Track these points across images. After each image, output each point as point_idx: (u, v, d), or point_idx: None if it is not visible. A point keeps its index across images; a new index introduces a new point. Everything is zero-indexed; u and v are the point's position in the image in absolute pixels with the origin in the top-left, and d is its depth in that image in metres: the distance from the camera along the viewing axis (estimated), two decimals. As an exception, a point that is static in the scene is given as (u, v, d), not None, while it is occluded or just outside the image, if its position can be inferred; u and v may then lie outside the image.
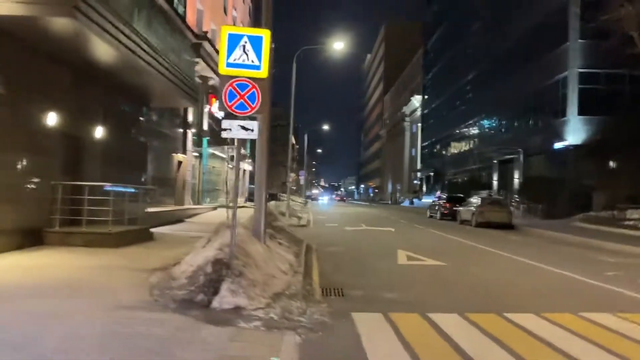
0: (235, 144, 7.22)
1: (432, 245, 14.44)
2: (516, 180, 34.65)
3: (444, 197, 31.03)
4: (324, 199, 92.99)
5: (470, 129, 47.47)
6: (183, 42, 15.75)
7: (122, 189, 11.07)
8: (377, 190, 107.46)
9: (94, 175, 11.47)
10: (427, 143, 64.63)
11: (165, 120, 19.38)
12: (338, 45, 23.37)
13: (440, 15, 59.74)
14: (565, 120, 28.37)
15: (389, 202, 78.06)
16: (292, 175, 30.11)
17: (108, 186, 10.52)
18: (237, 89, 6.06)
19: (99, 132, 11.92)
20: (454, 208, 27.48)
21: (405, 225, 23.75)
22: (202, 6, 25.52)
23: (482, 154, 41.45)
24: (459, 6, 50.76)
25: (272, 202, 27.09)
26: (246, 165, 39.63)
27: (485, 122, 43.62)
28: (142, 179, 15.00)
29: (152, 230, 12.09)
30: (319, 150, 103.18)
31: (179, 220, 17.17)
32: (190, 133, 22.68)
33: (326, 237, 15.92)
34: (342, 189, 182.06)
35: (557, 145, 28.77)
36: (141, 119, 15.10)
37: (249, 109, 6.11)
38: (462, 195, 28.99)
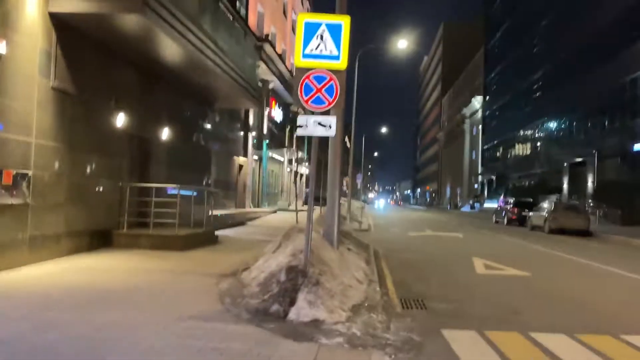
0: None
1: (508, 252, 13.47)
2: (590, 184, 32.49)
3: (512, 201, 29.49)
4: (380, 203, 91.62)
5: (537, 130, 45.14)
6: (246, 44, 15.59)
7: (187, 192, 10.91)
8: (434, 195, 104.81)
9: (160, 177, 11.41)
10: (488, 146, 62.14)
11: (227, 123, 19.36)
12: (402, 44, 22.60)
13: (503, 12, 57.36)
14: (646, 120, 26.35)
15: (448, 206, 75.78)
16: (346, 178, 29.49)
17: (174, 188, 10.39)
18: (314, 82, 5.56)
19: (165, 133, 11.86)
20: (523, 213, 26.06)
21: (472, 230, 22.63)
22: (263, 9, 25.52)
23: (551, 156, 39.25)
24: (524, 2, 48.50)
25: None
26: (303, 169, 39.38)
27: (554, 124, 41.31)
28: (205, 182, 14.92)
29: (216, 233, 11.89)
30: (376, 154, 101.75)
31: (240, 223, 17.01)
32: (251, 136, 22.63)
33: (391, 242, 15.24)
34: (397, 193, 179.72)
35: (638, 147, 26.73)
36: (204, 121, 15.04)
37: (327, 103, 5.59)
38: (531, 200, 27.40)
